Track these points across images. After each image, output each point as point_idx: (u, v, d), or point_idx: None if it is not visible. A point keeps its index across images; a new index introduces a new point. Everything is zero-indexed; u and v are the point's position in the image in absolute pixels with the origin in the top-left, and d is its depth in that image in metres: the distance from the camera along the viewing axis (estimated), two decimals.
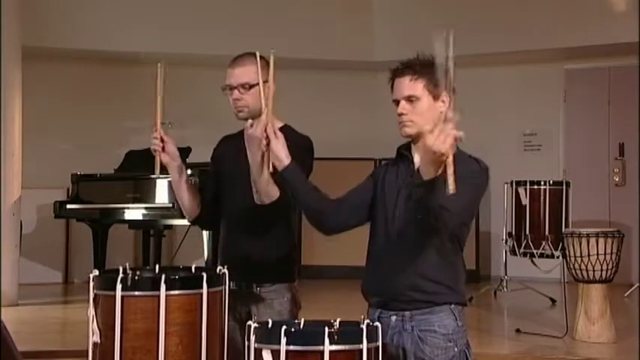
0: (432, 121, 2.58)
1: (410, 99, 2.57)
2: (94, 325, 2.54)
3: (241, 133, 3.14)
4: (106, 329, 2.51)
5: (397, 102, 2.61)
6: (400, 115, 2.59)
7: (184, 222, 6.40)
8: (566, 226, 5.98)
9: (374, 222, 2.70)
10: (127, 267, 2.63)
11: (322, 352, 2.21)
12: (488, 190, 2.70)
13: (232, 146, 3.16)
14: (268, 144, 2.64)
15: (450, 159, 2.22)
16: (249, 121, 2.78)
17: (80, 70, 8.52)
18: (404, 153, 2.69)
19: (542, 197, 6.14)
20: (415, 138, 2.63)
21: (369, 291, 2.64)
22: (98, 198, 6.95)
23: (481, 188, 2.57)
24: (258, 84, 2.96)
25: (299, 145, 2.97)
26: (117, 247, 7.56)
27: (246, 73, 2.97)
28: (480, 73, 8.68)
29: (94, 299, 2.56)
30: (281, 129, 3.04)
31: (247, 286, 2.94)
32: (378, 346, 2.31)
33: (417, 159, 2.64)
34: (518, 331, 5.42)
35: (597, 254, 5.09)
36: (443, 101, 2.61)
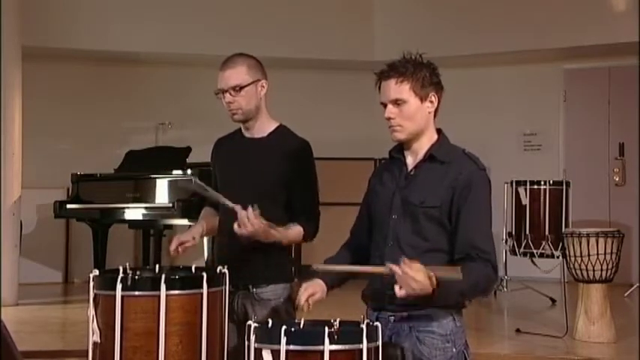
0: (420, 123, 2.58)
1: (397, 102, 2.56)
2: (94, 325, 2.54)
3: (234, 134, 3.15)
4: (106, 329, 2.51)
5: (385, 105, 2.60)
6: (388, 119, 2.58)
7: (184, 222, 6.45)
8: (566, 226, 5.97)
9: (372, 226, 2.70)
10: (127, 267, 2.63)
11: (322, 352, 2.21)
12: None
13: (225, 148, 3.16)
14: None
15: (423, 276, 2.29)
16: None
17: (80, 70, 8.52)
18: (395, 156, 2.69)
19: (542, 197, 6.13)
20: (406, 141, 2.62)
21: (369, 292, 2.64)
22: (98, 198, 6.95)
23: (489, 199, 2.57)
24: (248, 85, 2.95)
25: (296, 154, 2.97)
26: (117, 247, 7.55)
27: (235, 75, 2.95)
28: (480, 73, 8.70)
29: (94, 299, 2.56)
30: (276, 130, 3.06)
31: (243, 286, 2.93)
32: (378, 346, 2.31)
33: (409, 160, 2.64)
34: (518, 331, 5.42)
35: (597, 254, 5.09)
36: (431, 101, 2.59)
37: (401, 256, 2.34)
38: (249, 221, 2.73)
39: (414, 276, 2.28)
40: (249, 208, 2.74)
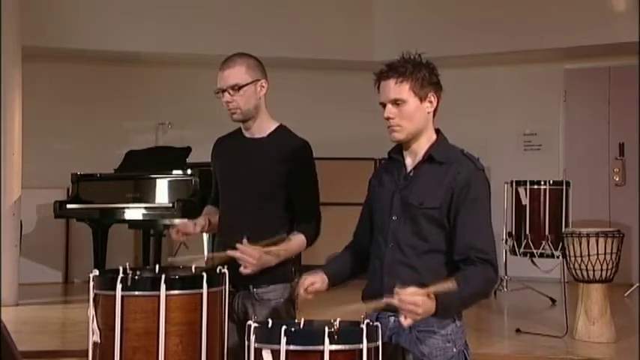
0: (420, 123, 2.58)
1: (396, 102, 2.56)
2: (94, 325, 2.54)
3: (235, 133, 3.15)
4: (106, 329, 2.51)
5: (384, 105, 2.60)
6: (387, 119, 2.58)
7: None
8: (566, 226, 5.97)
9: (372, 226, 2.70)
10: (127, 267, 2.63)
11: (322, 352, 2.21)
12: None
13: (226, 148, 3.16)
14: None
15: (422, 298, 2.29)
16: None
17: (80, 70, 8.52)
18: (394, 157, 2.69)
19: (542, 197, 6.14)
20: (405, 141, 2.62)
21: (369, 293, 2.64)
22: (98, 198, 6.95)
23: (488, 199, 2.57)
24: (247, 84, 2.95)
25: (296, 154, 2.98)
26: (117, 247, 7.55)
27: (234, 74, 2.95)
28: (479, 73, 8.69)
29: (94, 299, 2.56)
30: (276, 130, 3.06)
31: (244, 286, 2.93)
32: (378, 346, 2.31)
33: (408, 161, 2.64)
34: (518, 331, 5.42)
35: (597, 254, 5.09)
36: (430, 102, 2.59)
37: (396, 285, 2.33)
38: (250, 256, 2.74)
39: (413, 301, 2.28)
40: (242, 245, 2.75)
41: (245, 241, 2.76)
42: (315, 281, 2.60)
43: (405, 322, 2.30)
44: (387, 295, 2.38)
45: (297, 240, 2.92)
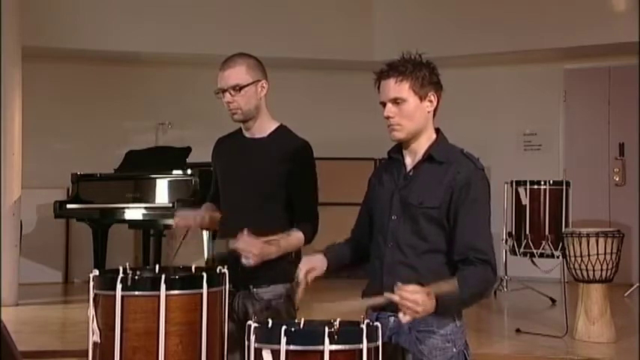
0: (419, 122, 2.58)
1: (396, 101, 2.56)
2: (94, 325, 2.54)
3: (235, 133, 3.15)
4: (106, 329, 2.51)
5: (384, 104, 2.60)
6: (388, 118, 2.58)
7: None
8: (566, 226, 5.97)
9: (372, 226, 2.70)
10: (127, 267, 2.63)
11: (322, 352, 2.21)
12: None
13: (226, 148, 3.16)
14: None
15: (422, 297, 2.29)
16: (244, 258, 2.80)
17: (80, 70, 8.52)
18: (394, 157, 2.69)
19: (542, 197, 6.14)
20: (405, 141, 2.62)
21: (369, 293, 2.64)
22: (98, 198, 6.96)
23: (487, 199, 2.57)
24: (248, 85, 2.95)
25: (296, 154, 2.98)
26: (117, 247, 7.55)
27: (235, 74, 2.95)
28: (480, 73, 8.70)
29: (94, 299, 2.56)
30: (277, 130, 3.06)
31: (244, 286, 2.94)
32: (378, 346, 2.31)
33: (408, 160, 2.64)
34: (518, 331, 5.42)
35: (597, 254, 5.09)
36: (430, 101, 2.59)
37: (396, 283, 2.33)
38: (251, 246, 2.75)
39: (414, 299, 2.28)
40: (243, 235, 2.75)
41: (246, 231, 2.76)
42: (315, 267, 2.60)
43: (404, 318, 2.30)
44: (387, 292, 2.38)
45: (296, 236, 2.93)
